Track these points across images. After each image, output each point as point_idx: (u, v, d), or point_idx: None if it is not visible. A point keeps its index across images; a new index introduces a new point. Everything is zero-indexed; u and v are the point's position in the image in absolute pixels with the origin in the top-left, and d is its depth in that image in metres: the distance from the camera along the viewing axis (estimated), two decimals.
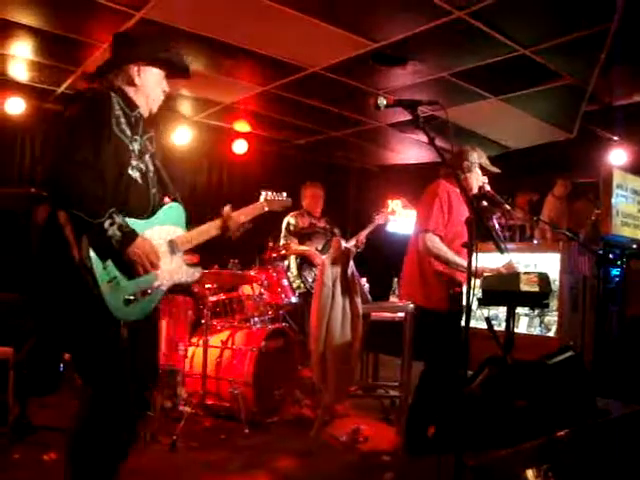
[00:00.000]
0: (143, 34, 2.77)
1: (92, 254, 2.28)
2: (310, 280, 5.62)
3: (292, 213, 5.92)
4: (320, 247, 5.85)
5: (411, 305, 4.13)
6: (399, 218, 8.92)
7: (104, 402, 2.39)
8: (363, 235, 5.90)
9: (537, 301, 3.73)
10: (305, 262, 5.74)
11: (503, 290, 3.67)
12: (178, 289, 4.94)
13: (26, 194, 4.39)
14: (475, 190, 4.00)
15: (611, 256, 5.58)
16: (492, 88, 5.40)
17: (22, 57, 5.12)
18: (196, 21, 4.33)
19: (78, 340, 2.45)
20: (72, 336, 2.47)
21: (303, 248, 5.77)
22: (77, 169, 2.25)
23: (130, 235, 2.34)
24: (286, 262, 5.76)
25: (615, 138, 6.37)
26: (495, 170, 4.10)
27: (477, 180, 4.03)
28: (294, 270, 5.72)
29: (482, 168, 4.06)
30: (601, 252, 5.43)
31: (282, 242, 5.73)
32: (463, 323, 2.62)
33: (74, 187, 2.25)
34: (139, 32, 2.82)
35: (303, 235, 5.86)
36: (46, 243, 2.39)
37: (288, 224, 5.87)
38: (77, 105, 2.42)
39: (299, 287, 5.63)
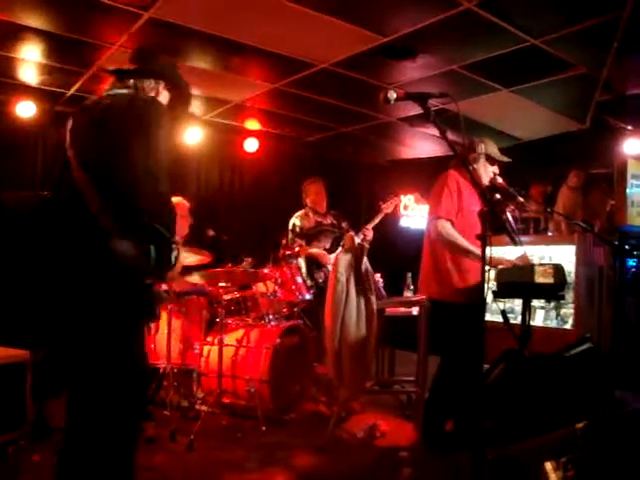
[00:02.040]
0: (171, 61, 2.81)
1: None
2: (320, 280, 5.55)
3: (297, 214, 5.85)
4: (328, 246, 5.72)
5: (425, 299, 4.12)
6: (412, 213, 8.92)
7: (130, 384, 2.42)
8: (370, 227, 5.73)
9: (552, 293, 3.71)
10: (314, 263, 5.63)
11: (518, 282, 3.65)
12: (192, 290, 4.97)
13: (38, 197, 4.41)
14: (485, 181, 3.98)
15: (627, 247, 5.54)
16: (503, 80, 5.35)
17: (32, 60, 5.14)
18: (204, 20, 4.32)
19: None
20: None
21: (311, 250, 5.64)
22: (167, 186, 2.28)
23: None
24: (299, 260, 5.70)
25: (629, 128, 6.29)
26: (504, 159, 4.08)
27: (485, 171, 4.02)
28: (304, 271, 5.64)
29: (491, 159, 4.04)
30: (617, 243, 5.38)
31: (289, 243, 5.63)
32: (479, 315, 2.60)
33: (168, 205, 2.31)
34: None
35: (310, 236, 5.73)
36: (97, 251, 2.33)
37: (294, 225, 5.78)
38: (144, 110, 2.36)
39: (311, 287, 5.58)
